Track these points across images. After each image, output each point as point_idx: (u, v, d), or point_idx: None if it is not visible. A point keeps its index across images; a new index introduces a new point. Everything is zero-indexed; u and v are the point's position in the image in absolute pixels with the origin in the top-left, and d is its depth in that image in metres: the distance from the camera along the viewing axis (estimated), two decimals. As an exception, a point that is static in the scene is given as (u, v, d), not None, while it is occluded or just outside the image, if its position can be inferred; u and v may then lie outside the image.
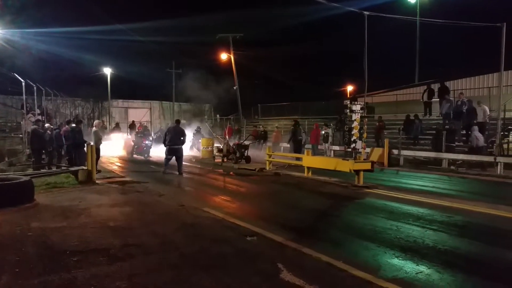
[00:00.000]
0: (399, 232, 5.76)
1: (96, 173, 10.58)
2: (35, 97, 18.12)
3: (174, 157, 12.45)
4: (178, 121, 12.99)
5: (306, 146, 18.42)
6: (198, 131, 22.35)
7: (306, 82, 38.27)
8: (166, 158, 12.55)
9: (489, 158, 13.39)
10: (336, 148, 18.33)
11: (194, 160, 17.41)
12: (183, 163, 13.00)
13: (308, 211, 7.24)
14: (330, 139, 18.39)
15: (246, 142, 16.94)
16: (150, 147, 18.87)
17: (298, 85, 37.77)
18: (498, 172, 12.66)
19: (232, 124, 25.72)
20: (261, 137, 21.56)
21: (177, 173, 12.31)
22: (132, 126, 25.26)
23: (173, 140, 12.26)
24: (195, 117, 31.71)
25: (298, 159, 13.50)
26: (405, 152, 15.93)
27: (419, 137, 17.24)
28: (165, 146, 12.55)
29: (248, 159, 15.73)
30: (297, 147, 17.28)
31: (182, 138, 12.43)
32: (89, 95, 32.11)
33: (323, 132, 18.56)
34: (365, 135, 10.72)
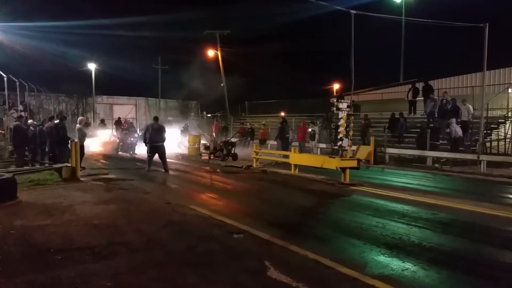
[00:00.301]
0: (385, 229, 5.82)
1: (80, 170, 10.42)
2: (18, 92, 17.67)
3: (157, 155, 12.41)
4: (156, 118, 12.95)
5: (293, 143, 18.50)
6: (185, 129, 22.24)
7: (293, 79, 38.39)
8: (148, 156, 12.52)
9: (473, 156, 13.67)
10: (323, 145, 18.44)
11: (180, 158, 17.30)
12: (169, 160, 12.89)
13: (295, 208, 7.26)
14: (317, 136, 18.49)
15: (233, 140, 16.94)
16: (136, 144, 18.66)
17: (285, 83, 37.92)
18: (482, 170, 12.93)
19: (219, 122, 25.63)
20: (248, 134, 21.58)
21: (163, 170, 12.26)
22: (118, 122, 24.92)
23: (153, 137, 12.23)
24: (182, 114, 31.56)
25: (285, 156, 13.60)
26: (390, 150, 16.13)
27: (404, 135, 17.50)
28: (145, 144, 12.53)
29: (235, 157, 15.71)
30: (284, 145, 17.34)
31: (162, 135, 12.41)
32: (73, 91, 31.60)
33: (310, 129, 18.66)
34: (351, 133, 10.81)
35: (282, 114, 23.48)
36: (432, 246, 5.08)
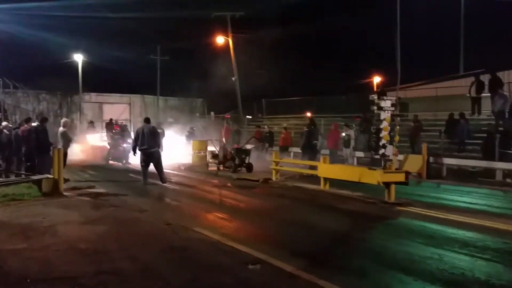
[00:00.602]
0: (442, 262, 5.72)
1: (64, 183, 10.64)
2: (-11, 89, 18.32)
3: (151, 164, 12.68)
4: (147, 120, 13.27)
5: (322, 151, 18.42)
6: (191, 133, 22.44)
7: (322, 71, 38.14)
8: (141, 166, 12.82)
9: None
10: (361, 154, 18.32)
11: (183, 168, 17.48)
12: (169, 171, 13.06)
13: (324, 233, 7.23)
14: (352, 143, 18.35)
15: (248, 146, 16.97)
16: (129, 151, 18.91)
17: (311, 76, 37.69)
18: None
19: (230, 124, 25.76)
20: (266, 140, 21.57)
21: (160, 182, 12.49)
22: (108, 125, 25.40)
23: (145, 142, 12.49)
24: (185, 114, 31.86)
25: (312, 167, 13.51)
26: (448, 161, 15.83)
27: (466, 141, 17.13)
28: (134, 152, 12.88)
29: (249, 167, 15.78)
30: (311, 153, 17.27)
31: (156, 139, 12.70)
32: (56, 87, 32.29)
33: (343, 134, 18.56)
34: (397, 138, 10.70)
35: (309, 114, 23.40)
36: (503, 285, 4.96)
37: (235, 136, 23.21)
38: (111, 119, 27.72)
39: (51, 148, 11.54)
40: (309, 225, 7.85)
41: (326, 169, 11.97)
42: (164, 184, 12.51)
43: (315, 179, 12.49)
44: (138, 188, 12.11)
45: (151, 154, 12.57)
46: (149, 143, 12.50)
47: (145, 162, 12.67)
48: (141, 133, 12.59)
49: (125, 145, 19.18)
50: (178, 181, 13.66)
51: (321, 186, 11.85)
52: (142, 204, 9.26)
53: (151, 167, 12.76)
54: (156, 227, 7.19)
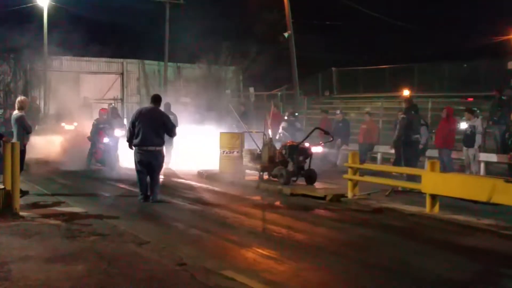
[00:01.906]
0: None
1: (20, 197, 10.78)
2: None
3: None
4: (156, 99, 13.11)
5: (428, 152, 18.13)
6: (291, 123, 21.65)
7: (428, 26, 37.17)
8: (137, 170, 12.83)
9: None
10: (492, 158, 17.98)
11: (205, 176, 17.52)
12: (180, 180, 13.08)
13: (434, 284, 7.10)
14: (478, 139, 17.91)
15: (307, 144, 16.73)
16: (117, 149, 19.08)
17: (410, 33, 36.83)
18: None
19: (280, 107, 25.66)
20: (337, 132, 21.33)
21: (172, 200, 12.64)
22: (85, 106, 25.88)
23: (148, 136, 12.48)
24: (207, 90, 31.87)
25: (411, 178, 13.36)
26: None
27: None
28: (130, 146, 12.88)
29: (311, 177, 15.63)
30: (410, 154, 16.93)
31: (162, 132, 12.66)
32: (8, 48, 33.01)
33: (463, 125, 18.11)
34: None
35: (406, 93, 22.99)
36: None
37: (289, 127, 23.05)
38: (85, 98, 28.26)
39: (1, 141, 11.72)
40: (409, 270, 7.72)
41: (434, 181, 11.71)
42: (158, 202, 12.51)
43: (417, 196, 12.32)
44: (134, 207, 12.21)
45: (153, 155, 12.61)
46: (154, 137, 12.53)
47: (142, 166, 12.68)
48: (142, 121, 12.57)
49: (113, 139, 19.27)
50: (197, 197, 13.69)
51: (427, 209, 11.62)
52: (141, 232, 9.27)
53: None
54: (164, 268, 7.18)
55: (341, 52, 31.46)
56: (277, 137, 17.60)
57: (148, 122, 12.57)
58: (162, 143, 12.76)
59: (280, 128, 20.33)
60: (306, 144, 16.33)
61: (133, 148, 12.78)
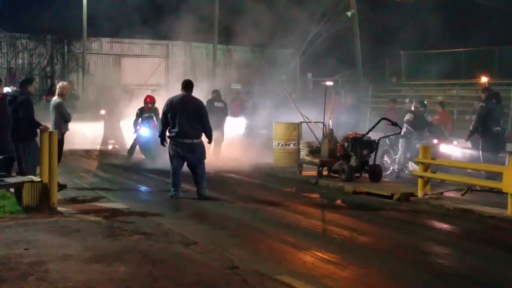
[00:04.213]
0: None
1: (58, 191, 10.93)
2: None
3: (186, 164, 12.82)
4: (188, 85, 12.92)
5: (510, 147, 18.02)
6: (420, 114, 20.41)
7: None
8: (171, 163, 12.81)
9: None
10: None
11: (258, 171, 17.45)
12: (230, 175, 13.03)
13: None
14: None
15: (371, 137, 16.54)
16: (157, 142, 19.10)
17: (491, 10, 36.04)
18: None
19: (342, 95, 25.48)
20: (407, 122, 20.97)
21: (200, 194, 12.64)
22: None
23: (184, 127, 12.47)
24: (260, 76, 31.75)
25: (490, 175, 13.22)
26: None
27: None
28: (162, 141, 12.98)
29: (376, 173, 15.51)
30: (491, 148, 16.63)
31: (198, 122, 12.59)
32: (44, 27, 33.27)
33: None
34: None
35: (485, 79, 22.57)
36: None
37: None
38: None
39: (39, 130, 11.81)
40: (485, 282, 7.59)
41: (518, 180, 11.48)
42: (205, 199, 12.54)
43: (497, 196, 12.16)
44: (180, 203, 12.31)
45: (190, 148, 12.59)
46: (190, 129, 12.51)
47: (178, 160, 12.71)
48: (175, 111, 12.55)
49: (154, 130, 19.30)
50: (249, 194, 13.70)
51: (508, 211, 11.36)
52: (188, 232, 9.32)
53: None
54: (213, 272, 7.20)
55: (409, 36, 30.94)
56: (401, 133, 17.10)
57: (181, 112, 12.52)
58: (199, 135, 12.66)
59: (405, 121, 19.63)
60: (370, 137, 16.20)
61: (166, 142, 12.84)
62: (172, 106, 12.65)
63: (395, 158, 16.90)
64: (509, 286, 7.39)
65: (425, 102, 19.26)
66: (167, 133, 12.75)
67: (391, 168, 16.96)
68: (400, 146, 16.40)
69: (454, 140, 17.87)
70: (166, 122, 12.69)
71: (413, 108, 18.85)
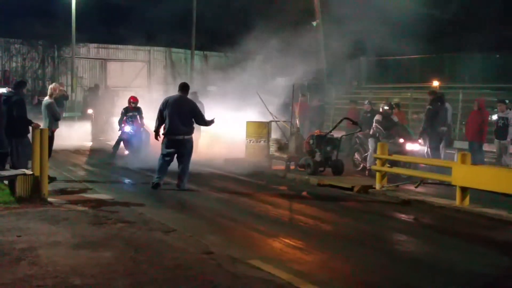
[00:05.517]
0: None
1: (48, 183, 10.92)
2: None
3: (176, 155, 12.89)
4: (184, 87, 13.13)
5: (459, 144, 18.06)
6: (387, 115, 20.14)
7: (460, 14, 36.58)
8: (162, 156, 12.91)
9: None
10: (527, 151, 17.62)
11: (230, 165, 17.48)
12: (207, 169, 13.09)
13: (464, 278, 7.07)
14: (510, 131, 17.67)
15: (335, 134, 16.69)
16: (144, 137, 19.03)
17: (442, 22, 36.26)
18: None
19: (307, 97, 25.52)
20: (365, 123, 21.11)
21: (197, 188, 12.66)
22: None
23: (177, 125, 12.60)
24: (235, 78, 31.64)
25: (441, 170, 13.27)
26: None
27: None
28: (156, 136, 13.03)
29: (338, 168, 15.60)
30: (437, 145, 16.85)
31: (190, 121, 12.73)
32: (37, 34, 33.04)
33: (495, 117, 17.88)
34: None
35: (436, 84, 22.72)
36: None
37: (316, 117, 22.95)
38: (96, 85, 28.37)
39: (30, 127, 11.82)
40: (436, 266, 7.64)
41: (465, 174, 11.57)
42: (184, 190, 12.62)
43: (447, 190, 12.31)
44: (161, 194, 12.30)
45: (182, 143, 12.72)
46: (182, 126, 12.62)
47: (169, 154, 12.81)
48: (170, 109, 12.66)
49: (130, 127, 19.14)
50: (223, 186, 13.75)
51: (457, 202, 11.52)
52: (167, 220, 9.35)
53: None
54: (190, 257, 7.23)
55: (368, 42, 31.06)
56: (370, 132, 17.13)
57: (175, 110, 12.66)
58: (190, 132, 12.81)
59: (374, 121, 19.63)
60: (334, 134, 16.36)
61: (160, 137, 12.91)
62: (168, 105, 12.80)
63: (365, 156, 16.94)
64: (455, 268, 7.46)
65: (393, 104, 19.40)
66: (164, 131, 12.85)
67: (362, 165, 16.98)
68: (370, 145, 16.43)
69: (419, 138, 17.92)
70: (162, 118, 12.83)
71: (381, 110, 19.02)
